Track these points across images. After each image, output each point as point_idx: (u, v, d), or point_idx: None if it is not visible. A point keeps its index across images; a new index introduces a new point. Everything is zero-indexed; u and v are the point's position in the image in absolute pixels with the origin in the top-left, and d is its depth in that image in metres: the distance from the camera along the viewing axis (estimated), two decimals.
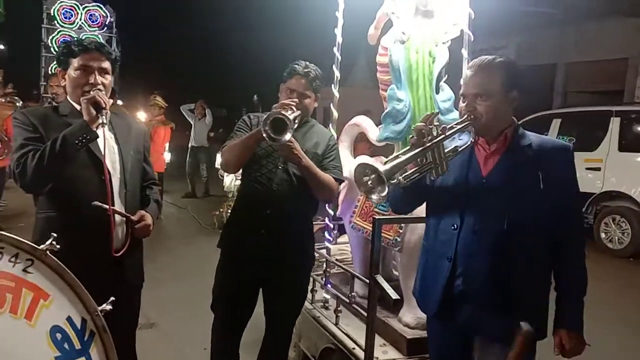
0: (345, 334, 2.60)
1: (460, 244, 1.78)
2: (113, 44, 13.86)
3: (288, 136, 2.03)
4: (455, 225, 1.80)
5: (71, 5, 13.60)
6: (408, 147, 1.71)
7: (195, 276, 4.50)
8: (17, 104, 6.22)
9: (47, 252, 1.30)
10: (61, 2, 13.53)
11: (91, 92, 1.95)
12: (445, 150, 1.74)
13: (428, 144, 1.68)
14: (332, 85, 3.12)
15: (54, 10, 13.47)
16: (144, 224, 2.09)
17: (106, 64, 2.05)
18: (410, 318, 2.52)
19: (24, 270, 1.27)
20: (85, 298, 1.38)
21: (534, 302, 1.77)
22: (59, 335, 1.32)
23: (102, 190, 1.98)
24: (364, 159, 2.80)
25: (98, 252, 1.96)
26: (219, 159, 3.59)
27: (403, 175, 1.71)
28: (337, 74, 3.12)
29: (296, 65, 2.42)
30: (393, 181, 1.66)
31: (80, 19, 13.69)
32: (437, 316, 1.90)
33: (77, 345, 1.36)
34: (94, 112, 1.91)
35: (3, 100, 6.25)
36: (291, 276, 2.43)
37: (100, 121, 1.91)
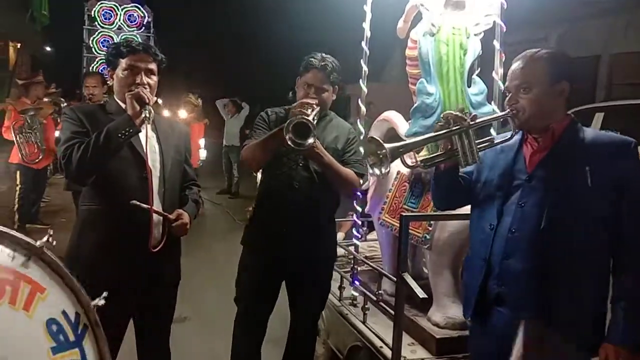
0: (373, 332, 2.56)
1: (496, 245, 1.71)
2: (151, 43, 14.14)
3: (312, 140, 1.98)
4: (492, 225, 1.73)
5: (111, 7, 13.96)
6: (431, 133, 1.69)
7: (227, 271, 4.50)
8: (62, 105, 6.44)
9: (43, 248, 1.36)
10: (101, 3, 13.92)
11: (136, 89, 2.00)
12: (478, 141, 1.69)
13: (453, 129, 1.64)
14: (361, 80, 3.08)
15: (94, 11, 13.83)
16: (181, 223, 2.11)
17: (152, 65, 2.11)
18: (440, 317, 2.47)
19: (22, 265, 1.33)
20: (79, 293, 1.43)
21: (580, 311, 1.62)
22: (54, 327, 1.37)
23: (143, 187, 2.02)
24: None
25: (136, 246, 2.00)
26: None
27: (423, 159, 1.67)
28: (365, 68, 3.09)
29: (312, 59, 2.35)
30: (410, 161, 1.66)
31: (120, 20, 14.03)
32: (474, 319, 1.83)
33: (72, 337, 1.41)
34: (137, 107, 1.96)
35: (46, 100, 6.50)
36: (313, 272, 2.42)
37: (144, 115, 1.96)
